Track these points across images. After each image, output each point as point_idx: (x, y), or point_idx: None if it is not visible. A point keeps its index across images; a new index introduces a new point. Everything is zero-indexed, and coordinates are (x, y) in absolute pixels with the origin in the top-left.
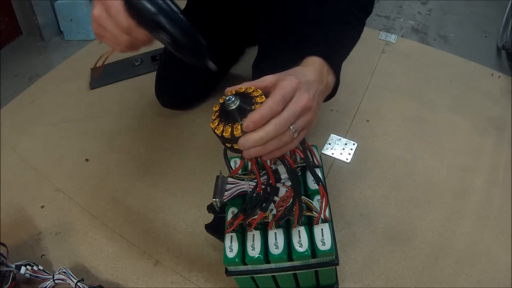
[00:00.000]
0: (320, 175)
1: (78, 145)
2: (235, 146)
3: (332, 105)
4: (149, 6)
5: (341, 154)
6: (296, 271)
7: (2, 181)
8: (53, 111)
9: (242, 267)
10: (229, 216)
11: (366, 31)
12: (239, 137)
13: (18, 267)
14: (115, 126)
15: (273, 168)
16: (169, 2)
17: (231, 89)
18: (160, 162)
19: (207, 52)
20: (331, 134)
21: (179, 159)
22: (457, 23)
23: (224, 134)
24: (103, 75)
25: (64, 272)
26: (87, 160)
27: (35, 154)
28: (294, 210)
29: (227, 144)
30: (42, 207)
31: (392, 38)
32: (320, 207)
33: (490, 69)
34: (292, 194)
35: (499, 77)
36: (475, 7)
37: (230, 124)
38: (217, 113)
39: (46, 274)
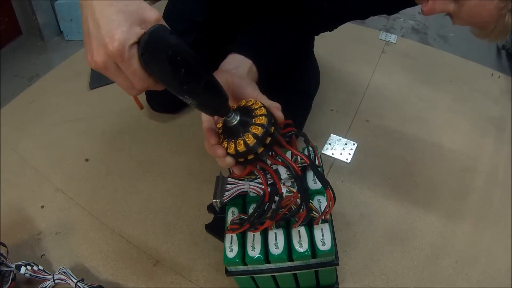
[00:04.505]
0: None
1: (78, 145)
2: (240, 160)
3: (332, 105)
4: (178, 78)
5: (341, 154)
6: (296, 271)
7: (2, 181)
8: (53, 111)
9: (242, 267)
10: (229, 216)
11: (366, 31)
12: (243, 151)
13: (18, 267)
14: (115, 126)
15: (274, 168)
16: (199, 66)
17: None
18: (160, 162)
19: (228, 105)
20: (331, 134)
21: (179, 159)
22: None
23: (229, 151)
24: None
25: (64, 272)
26: (87, 160)
27: (35, 154)
28: (300, 212)
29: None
30: (42, 207)
31: (392, 38)
32: (324, 210)
33: (490, 69)
34: (296, 196)
35: (499, 77)
36: None
37: (233, 140)
38: (221, 131)
39: (46, 274)
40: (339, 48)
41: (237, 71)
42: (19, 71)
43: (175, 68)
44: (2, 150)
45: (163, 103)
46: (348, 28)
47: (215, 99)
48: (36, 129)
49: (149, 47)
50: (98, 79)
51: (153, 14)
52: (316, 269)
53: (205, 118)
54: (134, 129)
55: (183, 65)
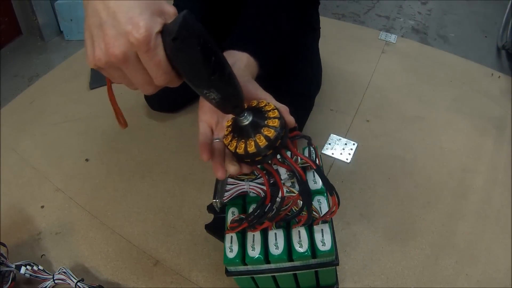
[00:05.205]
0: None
1: (78, 145)
2: (246, 160)
3: (332, 105)
4: (208, 67)
5: (341, 154)
6: (296, 272)
7: (2, 181)
8: (53, 111)
9: (242, 268)
10: (230, 217)
11: (366, 31)
12: (253, 153)
13: (18, 267)
14: (115, 126)
15: (274, 169)
16: (223, 57)
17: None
18: (160, 162)
19: (243, 103)
20: (331, 134)
21: (179, 159)
22: (457, 23)
23: (237, 150)
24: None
25: (64, 272)
26: (87, 160)
27: (35, 154)
28: (301, 214)
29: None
30: (42, 207)
31: (392, 38)
32: (326, 213)
33: (490, 69)
34: (297, 198)
35: (499, 77)
36: (475, 7)
37: (243, 140)
38: (230, 129)
39: (46, 274)
40: (339, 48)
41: (233, 69)
42: (19, 71)
43: (206, 55)
44: (2, 150)
45: (161, 102)
46: (348, 28)
47: (237, 93)
48: (36, 129)
49: (184, 30)
50: (98, 79)
51: (172, 8)
52: (316, 269)
53: (202, 130)
54: (134, 129)
55: (213, 53)
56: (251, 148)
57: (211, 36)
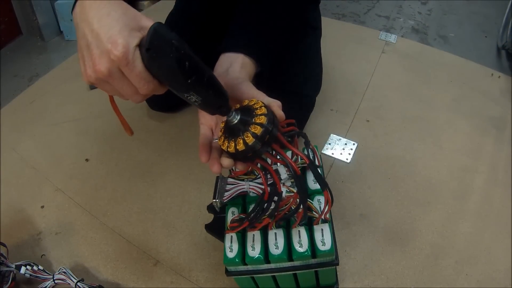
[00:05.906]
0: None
1: (78, 145)
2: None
3: (332, 105)
4: (183, 72)
5: (341, 154)
6: (296, 271)
7: (2, 181)
8: (53, 111)
9: (242, 267)
10: (229, 216)
11: (366, 31)
12: (242, 150)
13: (18, 267)
14: (115, 126)
15: (274, 168)
16: (199, 62)
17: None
18: (160, 162)
19: (229, 103)
20: (331, 134)
21: (179, 159)
22: (457, 23)
23: (229, 149)
24: None
25: (64, 272)
26: (87, 160)
27: (35, 154)
28: (298, 212)
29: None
30: (42, 207)
31: (392, 38)
32: (322, 210)
33: (490, 69)
34: (297, 196)
35: (499, 77)
36: (475, 7)
37: (233, 139)
38: (223, 130)
39: (46, 274)
40: (339, 48)
41: (228, 72)
42: (19, 71)
43: (180, 61)
44: (2, 150)
45: (161, 102)
46: (348, 28)
47: (218, 95)
48: (36, 129)
49: (155, 41)
50: None
51: (150, 22)
52: (316, 269)
53: (203, 131)
54: (134, 129)
55: (187, 59)
56: (240, 146)
57: (184, 43)
